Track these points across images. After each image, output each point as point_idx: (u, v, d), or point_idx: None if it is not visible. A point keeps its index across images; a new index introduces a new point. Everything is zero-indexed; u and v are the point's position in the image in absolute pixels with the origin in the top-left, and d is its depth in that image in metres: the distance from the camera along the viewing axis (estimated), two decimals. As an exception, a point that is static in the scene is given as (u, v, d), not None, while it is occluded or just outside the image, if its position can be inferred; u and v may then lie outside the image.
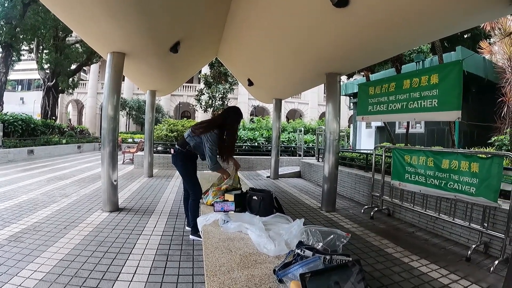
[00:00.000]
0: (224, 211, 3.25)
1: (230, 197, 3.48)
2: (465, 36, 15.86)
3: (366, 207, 6.78)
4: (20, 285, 3.08)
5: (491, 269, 3.84)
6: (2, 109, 20.95)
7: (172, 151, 4.57)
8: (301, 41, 5.81)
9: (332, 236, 2.22)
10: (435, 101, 5.26)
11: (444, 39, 13.12)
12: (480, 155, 4.44)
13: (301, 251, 1.92)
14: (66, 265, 3.58)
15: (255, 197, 3.28)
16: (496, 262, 3.91)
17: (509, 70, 10.30)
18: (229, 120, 4.24)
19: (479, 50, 12.57)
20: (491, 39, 13.59)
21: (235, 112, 4.34)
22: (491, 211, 4.37)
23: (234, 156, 4.62)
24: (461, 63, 4.98)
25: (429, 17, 3.96)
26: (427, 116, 5.54)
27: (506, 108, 10.17)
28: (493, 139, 8.26)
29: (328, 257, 1.83)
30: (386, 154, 6.59)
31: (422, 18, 4.00)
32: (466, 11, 3.74)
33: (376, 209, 6.43)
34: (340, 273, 1.70)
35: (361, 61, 6.55)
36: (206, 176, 5.74)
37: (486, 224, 4.33)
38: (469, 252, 4.23)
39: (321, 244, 2.15)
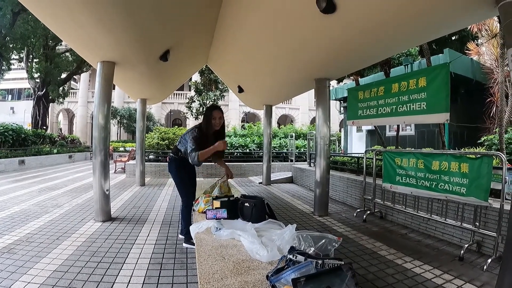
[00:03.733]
0: (217, 219, 3.25)
1: (216, 203, 3.50)
2: (453, 38, 16.04)
3: (358, 210, 6.81)
4: (13, 298, 3.07)
5: (484, 267, 3.88)
6: (-8, 120, 20.82)
7: (167, 158, 4.61)
8: (289, 47, 5.84)
9: (323, 240, 2.24)
10: (423, 104, 5.31)
11: (432, 42, 13.24)
12: (470, 156, 4.49)
13: (293, 256, 1.93)
14: (60, 276, 3.55)
15: (247, 204, 3.29)
16: (489, 260, 3.95)
17: (497, 70, 10.42)
18: (204, 121, 4.26)
19: (467, 51, 12.73)
20: (479, 40, 13.76)
21: (205, 110, 4.41)
22: (482, 210, 4.42)
23: (226, 163, 4.63)
24: (448, 65, 5.04)
25: (416, 21, 4.00)
26: (416, 119, 5.59)
27: (494, 108, 10.30)
28: (482, 139, 8.33)
29: (320, 261, 1.84)
30: (377, 157, 6.64)
31: (409, 22, 4.03)
32: (452, 14, 3.77)
33: (368, 212, 6.47)
34: (332, 277, 1.71)
35: (349, 66, 6.59)
36: (199, 184, 5.73)
37: (477, 223, 4.39)
38: (462, 252, 4.27)
39: (312, 249, 2.16)
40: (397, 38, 4.73)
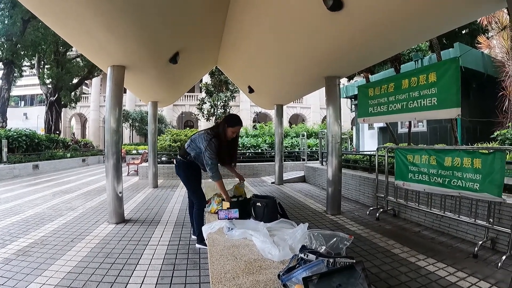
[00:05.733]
0: (229, 219, 3.26)
1: (227, 204, 3.51)
2: (463, 32, 15.85)
3: (371, 208, 6.76)
4: (29, 300, 3.11)
5: (499, 264, 3.83)
6: (6, 125, 21.10)
7: (174, 161, 4.60)
8: (298, 46, 5.84)
9: (335, 239, 2.24)
10: (434, 100, 5.25)
11: (442, 36, 13.11)
12: (482, 151, 4.44)
13: (304, 255, 1.93)
14: (74, 277, 3.60)
15: (259, 204, 3.30)
16: (504, 257, 3.90)
17: (508, 63, 10.30)
18: (221, 128, 4.18)
19: (477, 45, 12.58)
20: (489, 33, 13.59)
21: (228, 119, 4.27)
22: (496, 206, 4.36)
23: (237, 165, 4.64)
24: (458, 60, 4.98)
25: (424, 15, 3.96)
26: (427, 115, 5.54)
27: (507, 102, 10.17)
28: (495, 133, 8.22)
29: (331, 260, 1.84)
30: (389, 154, 6.59)
31: (417, 16, 4.00)
32: (461, 6, 3.74)
33: (381, 210, 6.42)
34: (344, 275, 1.71)
35: (359, 63, 6.57)
36: (211, 184, 5.75)
37: (491, 220, 4.32)
38: (476, 249, 4.22)
39: (324, 247, 2.16)
40: (406, 33, 4.69)
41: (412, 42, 5.80)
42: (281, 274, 1.91)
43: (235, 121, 4.22)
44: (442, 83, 5.12)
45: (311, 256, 1.90)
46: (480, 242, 4.30)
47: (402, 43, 5.44)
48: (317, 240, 2.24)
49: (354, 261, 1.86)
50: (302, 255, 1.95)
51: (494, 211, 4.34)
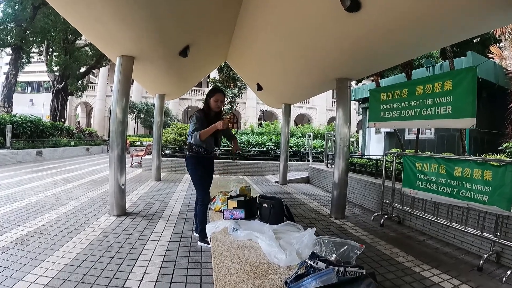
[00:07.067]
0: (234, 219, 3.20)
1: (232, 203, 3.45)
2: (475, 40, 15.77)
3: (376, 214, 6.69)
4: (25, 290, 3.05)
5: (503, 279, 3.76)
6: (12, 111, 21.14)
7: (185, 156, 4.66)
8: (310, 46, 5.77)
9: (345, 247, 2.17)
10: (449, 108, 5.20)
11: (453, 44, 13.02)
12: (493, 163, 4.36)
13: (314, 263, 1.87)
14: (72, 270, 3.54)
15: (265, 205, 3.24)
16: (509, 272, 3.84)
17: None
18: (205, 104, 4.48)
19: (489, 55, 12.49)
20: (501, 44, 13.49)
21: (208, 92, 4.57)
22: (504, 220, 4.28)
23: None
24: (475, 69, 4.92)
25: (440, 21, 3.89)
26: (441, 124, 5.47)
27: (517, 114, 10.07)
28: (504, 145, 8.12)
29: (341, 269, 1.77)
30: (396, 160, 6.51)
31: (436, 23, 3.93)
32: (477, 16, 3.68)
33: (386, 216, 6.34)
34: (354, 286, 1.65)
35: (372, 67, 6.49)
36: (214, 181, 5.69)
37: (498, 233, 4.25)
38: (481, 262, 4.14)
39: (334, 255, 2.10)
40: (423, 39, 4.60)
41: (427, 48, 5.71)
42: (289, 281, 1.84)
43: (213, 90, 4.49)
44: (458, 91, 5.06)
45: (321, 264, 1.83)
46: (486, 255, 4.24)
47: (417, 49, 5.36)
48: (328, 247, 2.17)
49: (364, 271, 1.79)
50: (311, 263, 1.88)
51: (501, 225, 4.27)
